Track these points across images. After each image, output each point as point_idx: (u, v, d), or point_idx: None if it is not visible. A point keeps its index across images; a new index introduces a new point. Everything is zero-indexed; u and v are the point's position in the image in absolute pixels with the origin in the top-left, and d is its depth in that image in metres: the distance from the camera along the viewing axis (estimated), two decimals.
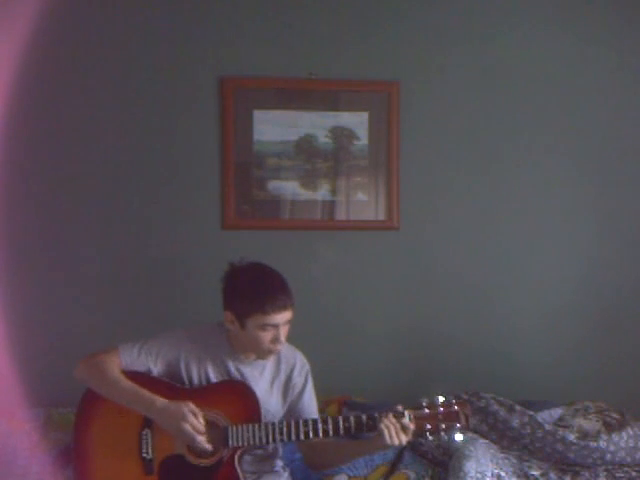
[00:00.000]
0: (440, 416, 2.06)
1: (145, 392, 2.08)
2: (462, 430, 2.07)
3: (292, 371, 2.25)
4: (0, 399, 2.58)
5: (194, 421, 2.03)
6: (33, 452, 2.39)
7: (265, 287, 2.10)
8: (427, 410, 2.07)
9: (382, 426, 2.02)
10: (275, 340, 2.12)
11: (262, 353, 2.17)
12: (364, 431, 2.08)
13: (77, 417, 2.19)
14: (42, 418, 2.62)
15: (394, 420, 2.03)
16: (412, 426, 2.04)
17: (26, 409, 2.60)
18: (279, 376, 2.24)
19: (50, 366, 2.73)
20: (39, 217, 2.91)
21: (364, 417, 2.08)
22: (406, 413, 2.05)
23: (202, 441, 2.04)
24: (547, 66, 3.10)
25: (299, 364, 2.27)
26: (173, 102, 2.96)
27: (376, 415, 2.06)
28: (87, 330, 2.88)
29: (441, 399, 2.08)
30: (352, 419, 2.08)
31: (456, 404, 2.08)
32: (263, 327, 2.09)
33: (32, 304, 2.85)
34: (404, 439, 2.03)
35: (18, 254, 2.86)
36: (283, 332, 2.13)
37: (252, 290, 2.11)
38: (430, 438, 2.08)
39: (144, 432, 2.12)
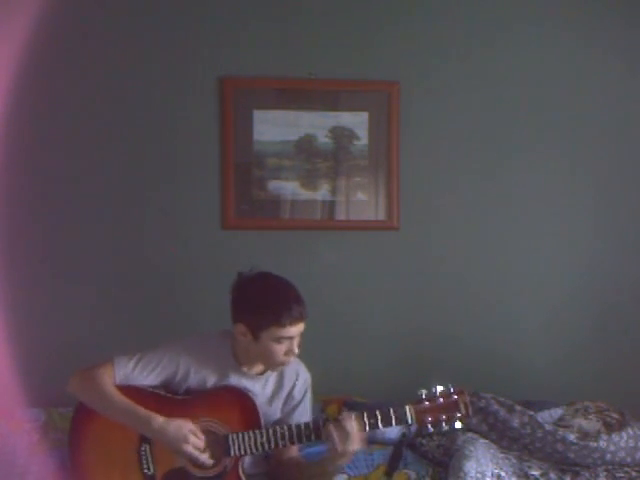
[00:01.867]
0: (440, 407, 2.05)
1: (141, 409, 2.04)
2: (463, 419, 2.06)
3: (294, 386, 2.22)
4: (0, 399, 2.58)
5: (196, 441, 2.02)
6: (33, 452, 2.38)
7: (280, 299, 2.06)
8: (427, 403, 2.06)
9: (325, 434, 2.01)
10: (289, 352, 2.09)
11: (273, 365, 2.14)
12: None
13: (70, 436, 2.14)
14: (42, 418, 2.62)
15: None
16: (351, 427, 1.99)
17: (26, 409, 2.60)
18: (281, 391, 2.21)
19: (50, 366, 2.72)
20: (39, 217, 2.91)
21: (378, 412, 2.05)
22: (407, 409, 2.05)
23: (205, 459, 2.03)
24: (547, 66, 3.10)
25: (301, 379, 2.23)
26: (173, 102, 2.96)
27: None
28: (87, 330, 2.89)
29: (440, 389, 2.07)
30: (365, 415, 2.04)
31: (455, 393, 2.07)
32: (278, 340, 2.05)
33: (32, 304, 2.85)
34: (352, 445, 1.99)
35: (18, 253, 2.85)
36: (296, 344, 2.10)
37: (267, 302, 2.05)
38: (431, 430, 2.06)
39: (142, 448, 2.08)
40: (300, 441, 2.08)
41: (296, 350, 2.10)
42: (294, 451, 2.22)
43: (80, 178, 2.94)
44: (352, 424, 2.01)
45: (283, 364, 2.13)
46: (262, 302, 2.06)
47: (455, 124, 3.08)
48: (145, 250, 2.97)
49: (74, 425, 2.15)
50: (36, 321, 2.85)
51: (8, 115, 2.76)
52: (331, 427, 2.01)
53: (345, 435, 1.99)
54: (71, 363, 2.16)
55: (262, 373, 2.19)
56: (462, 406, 2.06)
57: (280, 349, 2.07)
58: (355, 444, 2.01)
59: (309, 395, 2.26)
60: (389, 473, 2.25)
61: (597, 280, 3.14)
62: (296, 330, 2.07)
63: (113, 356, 2.13)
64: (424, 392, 2.07)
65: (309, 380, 2.26)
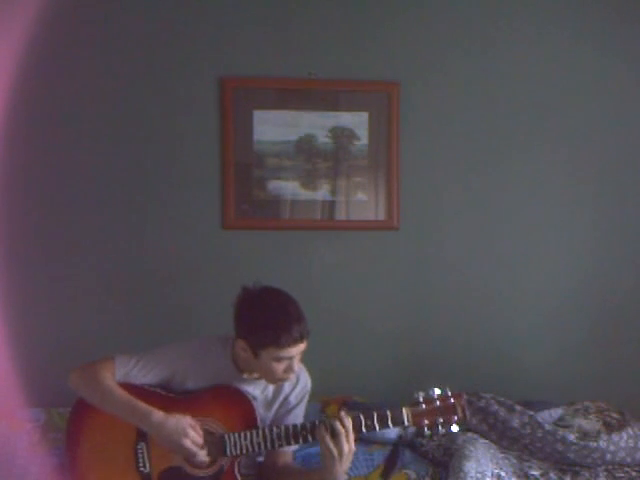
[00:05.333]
0: (437, 410, 2.05)
1: (141, 404, 2.04)
2: (459, 422, 2.06)
3: (292, 391, 2.22)
4: (0, 399, 2.58)
5: (195, 436, 2.01)
6: (33, 452, 2.38)
7: (280, 319, 2.03)
8: (424, 406, 2.06)
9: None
10: (288, 370, 2.08)
11: (272, 381, 2.14)
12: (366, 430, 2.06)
13: (67, 434, 2.15)
14: (42, 418, 2.62)
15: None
16: (343, 430, 2.00)
17: (26, 409, 2.60)
18: (279, 395, 2.21)
19: (50, 366, 2.72)
20: (39, 217, 2.91)
21: (374, 413, 2.05)
22: (404, 411, 2.05)
23: (203, 455, 2.03)
24: (547, 67, 3.10)
25: (301, 384, 2.23)
26: (173, 102, 2.96)
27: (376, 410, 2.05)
28: (87, 329, 2.89)
29: (437, 392, 2.08)
30: (362, 417, 2.05)
31: (452, 396, 2.07)
32: (277, 359, 2.05)
33: (32, 304, 2.85)
34: (345, 447, 1.99)
35: (18, 253, 2.86)
36: (297, 362, 2.09)
37: (267, 322, 2.03)
38: (428, 432, 2.06)
39: (139, 446, 2.09)
40: (297, 441, 2.07)
41: (296, 368, 2.09)
42: (289, 457, 2.22)
43: (80, 178, 2.93)
44: (346, 425, 2.00)
45: (282, 381, 2.13)
46: (261, 322, 2.04)
47: (455, 124, 3.08)
48: (145, 250, 2.97)
49: (71, 423, 2.15)
50: (36, 321, 2.85)
51: (8, 115, 2.76)
52: (322, 428, 2.01)
53: (336, 436, 1.99)
54: (71, 363, 2.16)
55: (261, 377, 2.19)
56: (459, 409, 2.06)
57: (279, 367, 2.06)
58: (345, 446, 1.99)
59: (305, 401, 2.25)
60: (385, 475, 2.25)
61: (597, 280, 3.14)
62: (296, 350, 2.05)
63: (114, 354, 2.14)
64: (421, 395, 2.07)
65: (309, 386, 2.25)
